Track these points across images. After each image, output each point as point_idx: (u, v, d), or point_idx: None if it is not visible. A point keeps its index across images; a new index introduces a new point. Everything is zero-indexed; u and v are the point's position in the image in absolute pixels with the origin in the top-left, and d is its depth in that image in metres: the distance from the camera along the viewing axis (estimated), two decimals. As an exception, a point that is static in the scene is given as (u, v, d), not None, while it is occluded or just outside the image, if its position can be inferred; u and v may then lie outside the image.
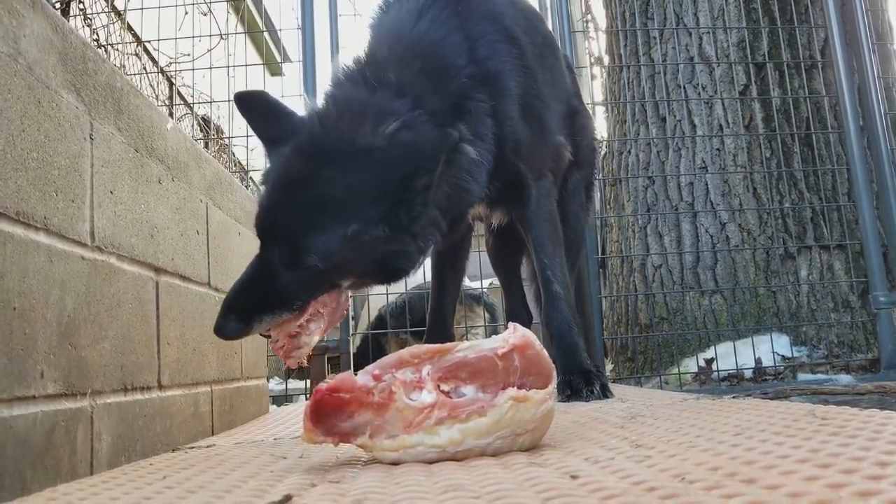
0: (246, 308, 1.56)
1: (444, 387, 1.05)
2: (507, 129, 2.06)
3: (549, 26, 3.54)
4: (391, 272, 1.74)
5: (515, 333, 1.11)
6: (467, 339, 4.18)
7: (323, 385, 1.04)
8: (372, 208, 1.58)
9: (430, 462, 1.01)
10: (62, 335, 1.29)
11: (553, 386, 1.09)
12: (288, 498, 0.75)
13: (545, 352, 1.12)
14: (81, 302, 1.37)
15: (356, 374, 1.05)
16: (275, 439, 1.63)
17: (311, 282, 1.59)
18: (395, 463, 1.03)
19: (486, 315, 5.09)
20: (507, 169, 2.10)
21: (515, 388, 1.05)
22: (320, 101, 1.83)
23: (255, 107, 1.84)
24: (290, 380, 5.09)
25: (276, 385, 4.82)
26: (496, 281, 3.39)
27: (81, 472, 1.31)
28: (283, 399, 3.95)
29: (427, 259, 1.94)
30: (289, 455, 1.25)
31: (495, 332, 4.93)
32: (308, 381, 3.74)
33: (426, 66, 1.91)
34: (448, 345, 1.10)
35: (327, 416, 1.03)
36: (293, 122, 1.77)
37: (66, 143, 1.36)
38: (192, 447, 1.65)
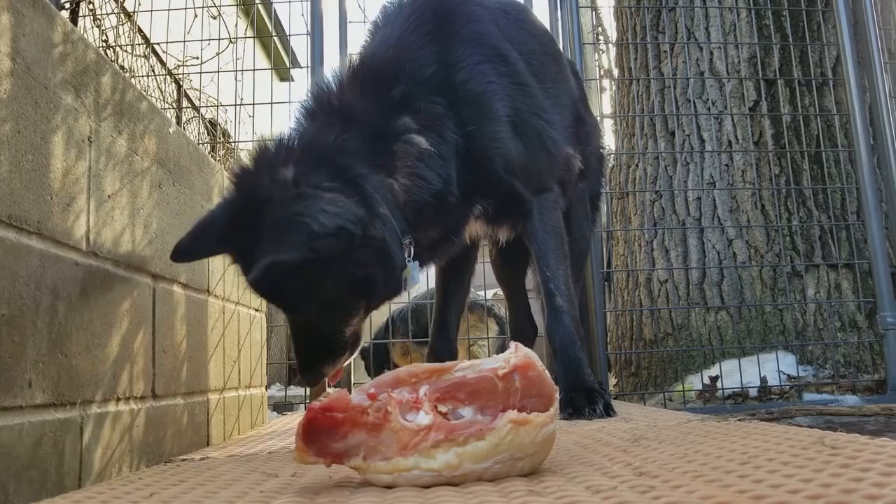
0: (312, 362, 1.84)
1: (442, 407, 1.02)
2: (494, 149, 2.02)
3: (560, 38, 3.52)
4: (384, 285, 1.82)
5: (517, 353, 1.07)
6: (471, 351, 4.14)
7: (316, 403, 1.00)
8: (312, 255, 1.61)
9: (426, 486, 0.97)
10: (52, 343, 1.26)
11: (555, 409, 1.05)
12: (274, 526, 0.71)
13: (547, 373, 1.08)
14: (74, 309, 1.35)
15: (351, 393, 1.02)
16: (269, 453, 1.59)
17: (328, 323, 1.79)
18: (389, 486, 0.99)
19: (496, 327, 5.07)
20: (500, 188, 2.08)
21: (516, 410, 1.01)
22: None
23: (193, 248, 1.80)
24: (291, 387, 5.06)
25: (276, 391, 4.80)
26: (500, 291, 3.35)
27: (69, 484, 1.28)
28: (283, 406, 3.92)
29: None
30: (281, 473, 1.21)
31: (503, 345, 4.90)
32: (307, 389, 3.70)
33: (375, 82, 1.92)
34: (447, 364, 1.06)
35: (320, 436, 0.99)
36: (225, 212, 1.77)
37: (63, 145, 1.34)
38: (185, 459, 1.61)
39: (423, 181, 1.87)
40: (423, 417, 0.99)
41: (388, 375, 1.05)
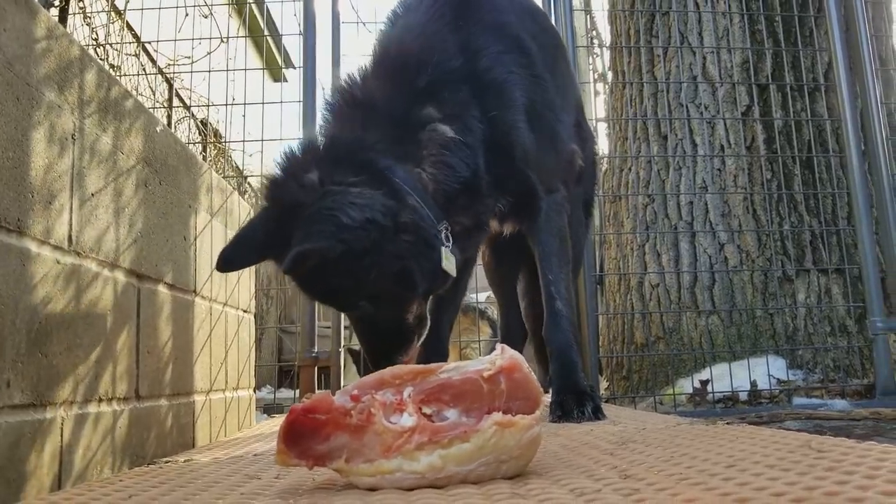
0: (383, 354, 1.88)
1: (426, 409, 1.01)
2: (513, 136, 2.03)
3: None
4: (425, 275, 1.83)
5: (503, 355, 1.06)
6: (463, 353, 4.13)
7: (298, 405, 0.99)
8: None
9: (409, 489, 0.96)
10: (32, 342, 1.24)
11: (540, 411, 1.04)
12: (249, 529, 0.70)
13: (533, 375, 1.07)
14: (55, 308, 1.33)
15: (334, 395, 1.01)
16: (254, 455, 1.58)
17: (387, 315, 1.83)
18: (371, 489, 0.98)
19: (489, 330, 5.06)
20: (517, 179, 2.07)
21: (501, 412, 1.00)
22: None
23: (239, 252, 1.85)
24: (281, 389, 5.05)
25: (266, 394, 4.78)
26: (493, 294, 3.33)
27: (48, 486, 1.26)
28: (273, 408, 3.91)
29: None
30: (263, 475, 1.20)
31: (495, 348, 4.89)
32: (297, 391, 3.69)
33: (399, 72, 1.93)
34: (432, 365, 1.05)
35: (302, 438, 0.98)
36: (264, 222, 1.82)
37: (45, 142, 1.32)
38: (168, 461, 1.60)
39: (451, 169, 1.88)
40: (407, 419, 0.98)
41: (371, 377, 1.04)
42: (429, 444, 0.97)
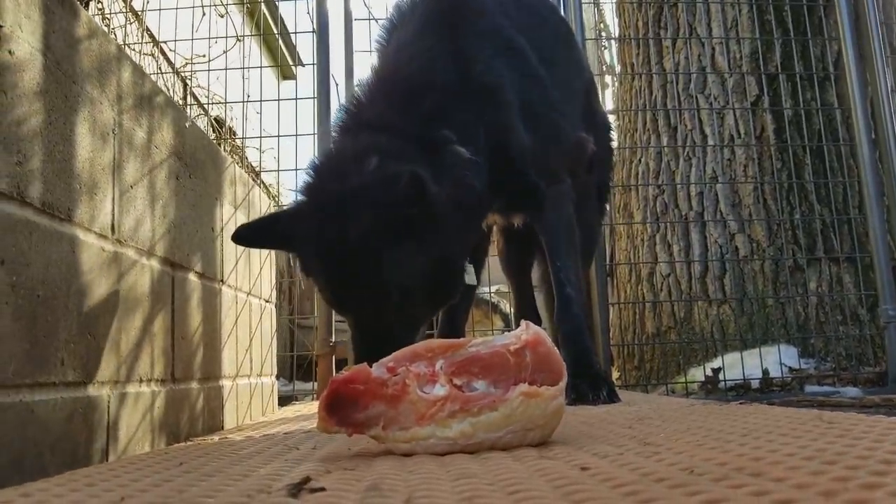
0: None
1: (457, 381, 1.07)
2: (510, 140, 2.09)
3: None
4: (449, 288, 1.90)
5: (528, 330, 1.12)
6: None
7: (339, 376, 1.06)
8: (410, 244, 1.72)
9: (442, 454, 1.03)
10: (82, 325, 1.32)
11: (563, 383, 1.11)
12: (307, 480, 0.77)
13: (556, 349, 1.14)
14: (101, 292, 1.40)
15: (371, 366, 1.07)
16: (285, 433, 1.65)
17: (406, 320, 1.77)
18: (407, 454, 1.05)
19: (501, 323, 5.13)
20: (515, 178, 2.13)
21: (527, 383, 1.07)
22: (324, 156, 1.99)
23: (255, 233, 1.93)
24: (297, 381, 5.11)
25: (282, 386, 4.85)
26: (503, 287, 3.38)
27: (97, 459, 1.34)
28: (288, 400, 3.97)
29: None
30: (301, 446, 1.27)
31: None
32: (315, 383, 3.76)
33: (405, 96, 1.98)
34: (461, 340, 1.12)
35: (342, 407, 1.05)
36: (294, 213, 1.85)
37: (90, 136, 1.39)
38: (204, 439, 1.67)
39: (470, 188, 1.93)
40: (440, 389, 1.05)
41: (406, 350, 1.11)
42: (460, 413, 1.04)
